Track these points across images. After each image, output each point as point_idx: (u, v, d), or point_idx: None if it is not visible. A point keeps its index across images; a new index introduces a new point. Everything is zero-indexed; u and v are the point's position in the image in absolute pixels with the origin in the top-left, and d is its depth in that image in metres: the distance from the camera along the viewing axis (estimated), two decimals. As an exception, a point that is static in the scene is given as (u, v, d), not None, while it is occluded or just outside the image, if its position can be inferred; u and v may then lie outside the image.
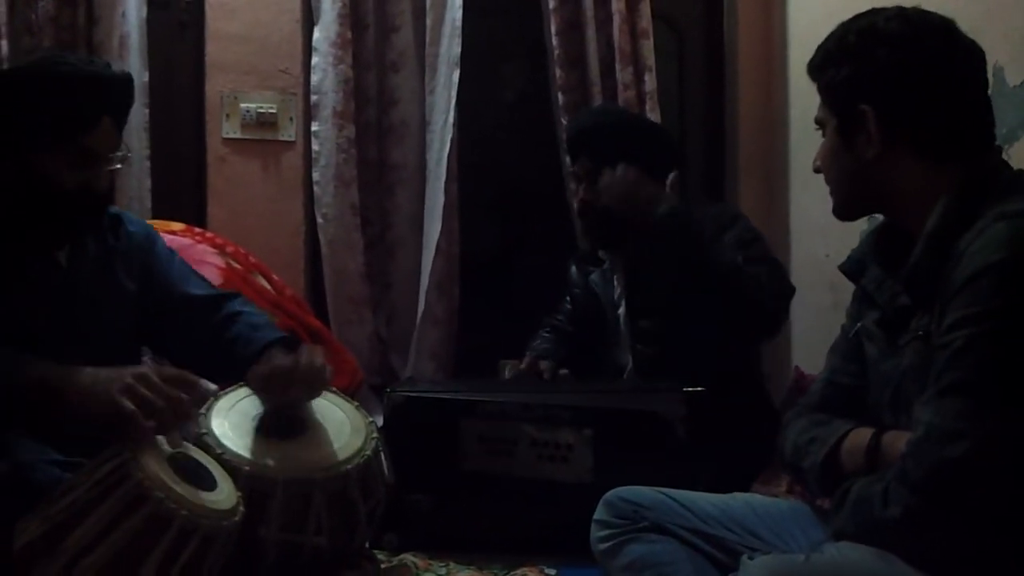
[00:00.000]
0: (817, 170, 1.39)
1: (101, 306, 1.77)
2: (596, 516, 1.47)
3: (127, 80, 1.78)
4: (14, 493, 1.45)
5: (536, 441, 2.08)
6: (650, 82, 2.86)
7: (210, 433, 1.59)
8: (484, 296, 3.01)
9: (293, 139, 2.89)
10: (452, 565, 1.98)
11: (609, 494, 1.48)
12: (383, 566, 1.86)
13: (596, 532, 1.46)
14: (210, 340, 1.80)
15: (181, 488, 1.40)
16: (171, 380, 1.48)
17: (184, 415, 1.49)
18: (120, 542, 1.32)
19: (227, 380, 1.72)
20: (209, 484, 1.47)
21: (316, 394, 1.72)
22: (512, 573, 1.95)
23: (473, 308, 2.97)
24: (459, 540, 2.05)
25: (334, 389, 1.81)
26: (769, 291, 2.16)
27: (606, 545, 1.44)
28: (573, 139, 2.46)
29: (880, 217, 1.38)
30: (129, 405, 1.41)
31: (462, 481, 2.10)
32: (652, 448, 2.01)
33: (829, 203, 1.39)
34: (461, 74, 2.83)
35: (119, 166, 1.79)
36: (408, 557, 1.98)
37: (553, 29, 2.87)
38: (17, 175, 1.65)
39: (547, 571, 1.96)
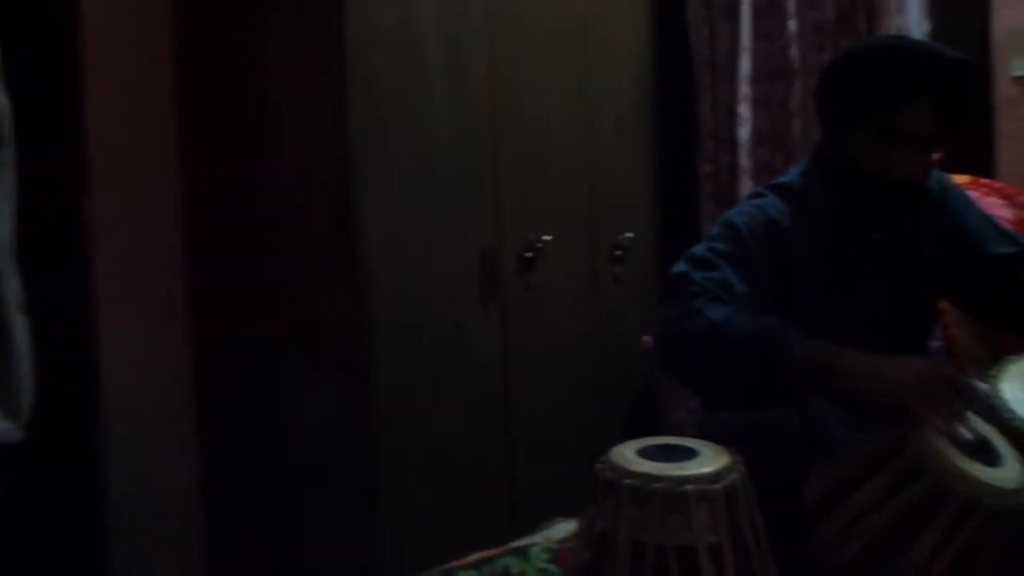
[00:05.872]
0: None
1: (901, 281, 1.77)
2: None
3: (955, 62, 1.65)
4: (807, 446, 1.60)
5: None
6: None
7: (998, 398, 1.53)
8: None
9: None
10: None
11: None
12: None
13: None
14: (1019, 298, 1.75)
15: (961, 464, 1.38)
16: (944, 381, 1.45)
17: (955, 418, 1.45)
18: (896, 510, 1.37)
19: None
20: (994, 461, 1.42)
21: None
22: None
23: None
24: None
25: None
26: None
27: None
28: None
29: None
30: (917, 405, 1.40)
31: None
32: None
33: None
34: None
35: (932, 156, 1.69)
36: None
37: None
38: (829, 151, 1.70)
39: None
